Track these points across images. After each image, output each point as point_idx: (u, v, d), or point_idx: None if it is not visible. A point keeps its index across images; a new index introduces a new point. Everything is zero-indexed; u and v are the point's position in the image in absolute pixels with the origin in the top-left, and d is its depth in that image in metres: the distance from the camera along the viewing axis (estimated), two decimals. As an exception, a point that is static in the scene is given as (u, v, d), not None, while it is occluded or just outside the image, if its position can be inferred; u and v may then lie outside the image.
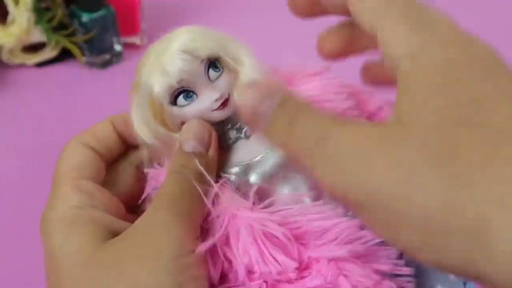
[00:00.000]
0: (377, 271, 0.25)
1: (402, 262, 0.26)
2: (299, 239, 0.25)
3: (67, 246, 0.24)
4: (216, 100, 0.27)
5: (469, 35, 0.21)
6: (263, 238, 0.24)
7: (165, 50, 0.27)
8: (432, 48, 0.20)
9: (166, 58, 0.27)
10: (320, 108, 0.22)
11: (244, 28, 0.63)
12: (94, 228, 0.24)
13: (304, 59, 0.60)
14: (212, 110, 0.28)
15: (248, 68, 0.29)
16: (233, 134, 0.29)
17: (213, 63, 0.28)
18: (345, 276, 0.24)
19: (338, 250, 0.25)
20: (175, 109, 0.27)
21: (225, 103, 0.28)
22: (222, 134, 0.28)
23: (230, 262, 0.25)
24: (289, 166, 0.27)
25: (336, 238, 0.25)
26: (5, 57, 0.54)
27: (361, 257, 0.25)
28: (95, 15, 0.51)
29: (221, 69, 0.28)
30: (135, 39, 0.58)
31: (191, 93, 0.27)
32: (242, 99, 0.22)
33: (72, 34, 0.53)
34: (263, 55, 0.62)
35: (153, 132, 0.28)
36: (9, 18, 0.51)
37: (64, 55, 0.55)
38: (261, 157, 0.28)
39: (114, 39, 0.54)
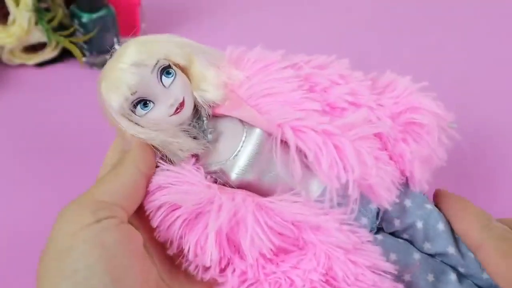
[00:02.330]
0: (360, 264, 0.28)
1: (384, 259, 0.29)
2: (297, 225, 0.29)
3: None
4: (171, 105, 0.29)
5: None
6: (267, 229, 0.28)
7: (115, 66, 0.29)
8: None
9: (116, 74, 0.28)
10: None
11: (244, 27, 0.63)
12: None
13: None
14: (170, 116, 0.29)
15: (200, 64, 0.31)
16: (201, 135, 0.31)
17: (165, 70, 0.30)
18: (333, 262, 0.28)
19: (328, 239, 0.28)
20: (135, 118, 0.29)
21: (180, 107, 0.30)
22: (197, 134, 0.30)
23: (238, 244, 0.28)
24: (265, 157, 0.30)
25: (327, 230, 0.29)
26: (6, 57, 0.54)
27: (349, 252, 0.28)
28: (95, 15, 0.52)
29: (174, 74, 0.30)
30: (135, 39, 0.58)
31: (148, 101, 0.29)
32: None
33: (72, 34, 0.54)
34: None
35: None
36: (10, 18, 0.51)
37: (64, 56, 0.56)
38: (235, 154, 0.30)
39: (114, 39, 0.54)
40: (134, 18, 0.56)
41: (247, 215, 0.28)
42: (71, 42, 0.53)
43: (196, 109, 0.31)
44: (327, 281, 0.28)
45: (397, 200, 0.32)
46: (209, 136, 0.31)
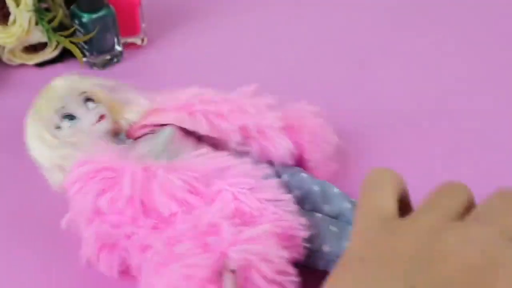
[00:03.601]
0: (263, 199, 0.32)
1: (282, 191, 0.34)
2: (205, 178, 0.33)
3: None
4: (94, 114, 0.38)
5: None
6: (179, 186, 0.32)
7: (50, 86, 0.39)
8: None
9: (49, 91, 0.39)
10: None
11: (243, 27, 0.63)
12: None
13: (302, 59, 0.60)
14: (94, 124, 0.38)
15: (119, 98, 0.41)
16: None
17: (90, 99, 0.38)
18: (240, 201, 0.32)
19: (234, 181, 0.32)
20: (63, 131, 0.37)
21: (101, 118, 0.38)
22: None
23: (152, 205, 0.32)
24: (175, 146, 0.37)
25: (232, 175, 0.33)
26: (6, 57, 0.54)
27: (251, 189, 0.32)
28: (96, 15, 0.52)
29: (97, 104, 0.39)
30: (136, 39, 0.58)
31: (73, 117, 0.38)
32: None
33: (73, 34, 0.54)
34: (262, 55, 0.62)
35: (55, 152, 0.37)
36: (10, 18, 0.51)
37: (65, 56, 0.56)
38: (150, 149, 0.37)
39: (115, 40, 0.55)
40: (134, 18, 0.56)
41: (158, 169, 0.33)
42: (71, 42, 0.54)
43: (116, 133, 0.39)
44: (235, 216, 0.31)
45: (294, 170, 0.38)
46: (127, 142, 0.38)
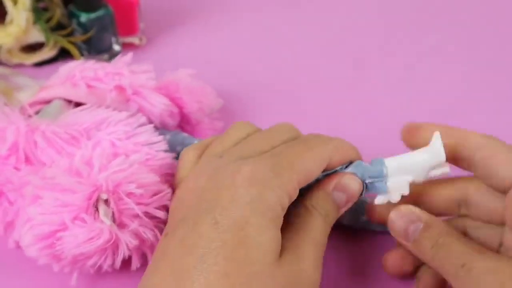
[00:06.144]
0: (137, 143, 0.35)
1: (156, 134, 0.36)
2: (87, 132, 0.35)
3: None
4: None
5: None
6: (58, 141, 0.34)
7: None
8: None
9: None
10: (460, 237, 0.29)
11: (242, 28, 0.63)
12: None
13: (300, 60, 0.60)
14: None
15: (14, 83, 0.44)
16: None
17: None
18: (116, 147, 0.34)
19: (112, 130, 0.35)
20: None
21: None
22: None
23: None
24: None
25: (110, 125, 0.35)
26: (4, 57, 0.54)
27: (127, 135, 0.35)
28: (94, 15, 0.52)
29: None
30: (134, 39, 0.58)
31: None
32: (394, 221, 0.29)
33: (71, 34, 0.53)
34: (260, 55, 0.62)
35: None
36: (8, 18, 0.51)
37: (63, 55, 0.55)
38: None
39: (113, 39, 0.54)
40: (133, 18, 0.56)
41: (42, 124, 0.35)
42: (69, 41, 0.53)
43: None
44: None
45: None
46: None
